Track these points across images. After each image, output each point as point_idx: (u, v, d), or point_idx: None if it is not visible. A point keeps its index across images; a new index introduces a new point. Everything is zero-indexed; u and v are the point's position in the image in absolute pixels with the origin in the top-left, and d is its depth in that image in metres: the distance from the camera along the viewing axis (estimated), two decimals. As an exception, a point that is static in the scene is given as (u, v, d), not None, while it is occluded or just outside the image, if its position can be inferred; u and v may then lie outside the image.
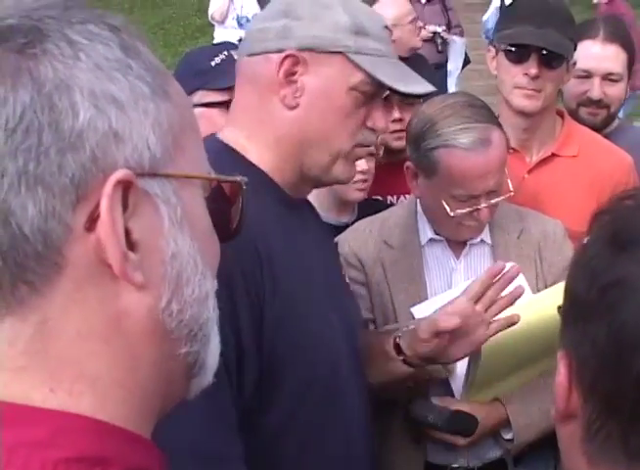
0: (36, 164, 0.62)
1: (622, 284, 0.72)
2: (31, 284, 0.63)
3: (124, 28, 0.70)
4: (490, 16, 7.47)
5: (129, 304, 0.66)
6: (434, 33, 7.61)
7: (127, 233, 0.65)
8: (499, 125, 1.98)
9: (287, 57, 1.44)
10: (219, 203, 0.77)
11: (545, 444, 2.00)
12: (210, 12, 8.97)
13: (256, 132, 1.50)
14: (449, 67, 6.97)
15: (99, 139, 0.64)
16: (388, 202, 2.85)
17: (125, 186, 0.64)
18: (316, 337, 1.47)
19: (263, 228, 1.39)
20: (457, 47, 7.27)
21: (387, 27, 1.51)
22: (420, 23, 4.84)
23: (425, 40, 7.63)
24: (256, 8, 9.89)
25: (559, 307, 0.79)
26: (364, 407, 1.63)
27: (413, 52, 4.60)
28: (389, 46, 1.50)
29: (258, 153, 1.49)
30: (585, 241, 0.79)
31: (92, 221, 0.64)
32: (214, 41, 7.84)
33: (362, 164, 2.30)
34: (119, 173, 0.64)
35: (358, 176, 2.31)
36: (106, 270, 0.64)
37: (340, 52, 1.44)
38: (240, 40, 2.06)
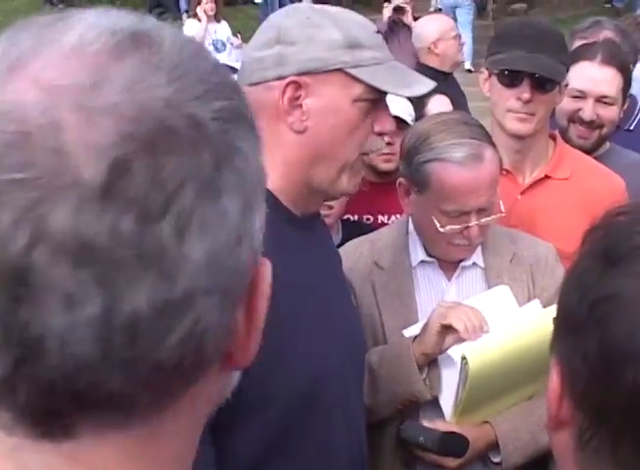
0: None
1: (612, 299, 0.72)
2: (163, 409, 0.56)
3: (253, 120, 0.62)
4: None
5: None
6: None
7: None
8: (492, 144, 1.98)
9: (288, 84, 1.44)
10: None
11: (533, 466, 1.99)
12: (186, 38, 9.04)
13: (265, 159, 1.48)
14: None
15: None
16: (379, 221, 2.87)
17: None
18: (299, 353, 1.46)
19: None
20: None
21: (378, 32, 1.54)
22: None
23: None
24: (229, 31, 10.02)
25: (554, 318, 0.80)
26: (354, 425, 1.60)
27: (457, 67, 4.59)
28: (384, 50, 1.53)
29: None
30: (577, 256, 0.80)
31: None
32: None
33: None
34: None
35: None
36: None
37: (338, 69, 1.46)
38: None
